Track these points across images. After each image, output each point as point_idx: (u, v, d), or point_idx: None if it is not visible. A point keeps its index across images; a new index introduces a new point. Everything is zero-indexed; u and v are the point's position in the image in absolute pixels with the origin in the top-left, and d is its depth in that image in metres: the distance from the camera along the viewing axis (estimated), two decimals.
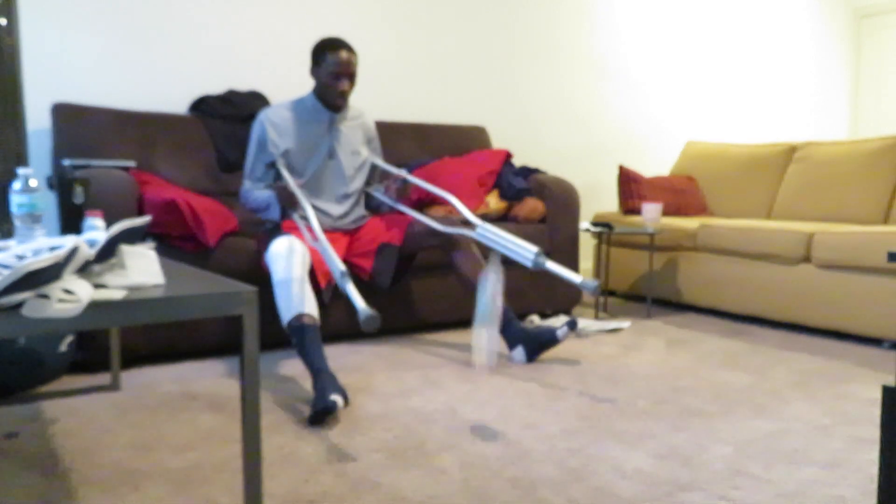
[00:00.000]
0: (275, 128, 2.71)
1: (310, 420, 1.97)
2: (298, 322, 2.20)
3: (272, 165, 2.72)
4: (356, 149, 2.86)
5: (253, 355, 1.31)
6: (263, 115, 2.73)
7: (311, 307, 2.24)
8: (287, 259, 2.32)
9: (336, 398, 1.97)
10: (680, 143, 5.13)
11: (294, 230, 2.60)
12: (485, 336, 2.11)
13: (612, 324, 3.28)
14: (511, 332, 2.66)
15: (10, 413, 2.05)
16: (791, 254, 3.20)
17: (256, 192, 2.71)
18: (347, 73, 2.65)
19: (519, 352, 2.65)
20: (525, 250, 2.30)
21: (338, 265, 2.05)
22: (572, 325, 2.61)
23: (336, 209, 2.80)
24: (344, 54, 2.63)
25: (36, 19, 3.04)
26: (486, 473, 1.66)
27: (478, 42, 4.21)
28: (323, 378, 2.07)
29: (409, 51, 3.98)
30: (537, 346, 2.63)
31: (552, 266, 2.28)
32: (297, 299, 2.24)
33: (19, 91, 2.95)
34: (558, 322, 2.62)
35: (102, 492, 1.54)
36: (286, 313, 2.24)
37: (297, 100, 2.78)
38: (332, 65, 2.63)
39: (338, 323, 2.90)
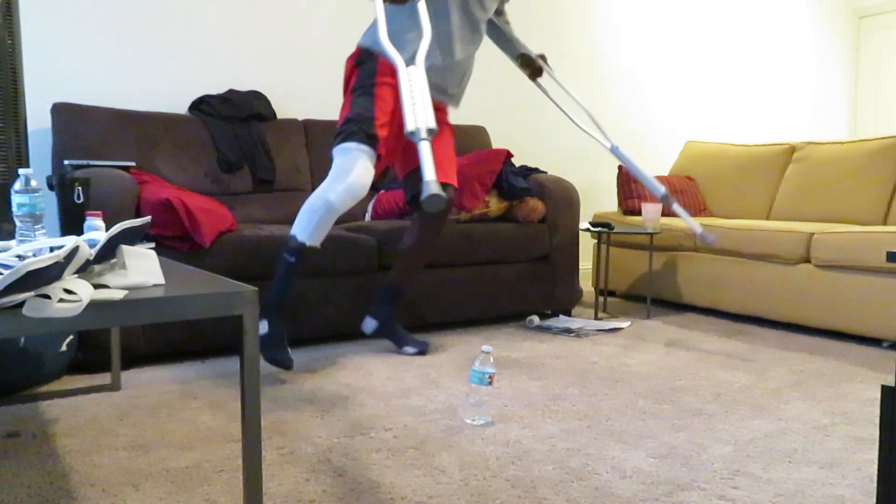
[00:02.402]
0: None
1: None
2: (302, 248, 2.33)
3: None
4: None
5: (253, 355, 1.31)
6: None
7: (320, 242, 2.37)
8: (345, 193, 2.30)
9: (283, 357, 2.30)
10: (680, 143, 5.13)
11: (386, 86, 2.41)
12: None
13: (612, 324, 3.28)
14: (383, 310, 2.74)
15: (10, 413, 2.05)
16: (791, 254, 3.20)
17: None
18: None
19: (371, 323, 2.75)
20: (656, 183, 2.62)
21: (429, 116, 1.78)
22: (421, 351, 2.74)
23: (452, 79, 2.54)
24: None
25: (36, 19, 3.04)
26: (486, 473, 1.66)
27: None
28: (273, 324, 2.33)
29: None
30: (386, 333, 2.77)
31: (679, 209, 2.63)
32: (319, 230, 2.34)
33: (19, 91, 2.95)
34: (411, 347, 2.75)
35: (102, 492, 1.54)
36: (301, 233, 2.34)
37: None
38: None
39: (338, 322, 2.90)
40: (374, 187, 3.58)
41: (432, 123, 1.70)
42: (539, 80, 2.71)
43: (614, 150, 2.72)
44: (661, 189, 2.68)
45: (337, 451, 1.78)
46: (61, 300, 1.12)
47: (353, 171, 2.32)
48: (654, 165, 4.99)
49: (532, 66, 2.89)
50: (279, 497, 1.52)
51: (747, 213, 4.08)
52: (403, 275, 2.73)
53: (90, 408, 2.09)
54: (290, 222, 3.28)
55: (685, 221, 2.68)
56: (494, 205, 3.37)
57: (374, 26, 2.50)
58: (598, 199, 4.73)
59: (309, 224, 2.35)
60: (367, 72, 2.45)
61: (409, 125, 1.71)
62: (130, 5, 3.23)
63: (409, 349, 2.74)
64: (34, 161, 3.04)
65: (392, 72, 2.43)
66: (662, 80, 5.01)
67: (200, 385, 2.33)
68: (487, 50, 4.23)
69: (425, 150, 1.66)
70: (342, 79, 2.57)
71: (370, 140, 2.36)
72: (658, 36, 4.96)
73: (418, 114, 1.72)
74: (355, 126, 2.37)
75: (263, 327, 2.36)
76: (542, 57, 2.88)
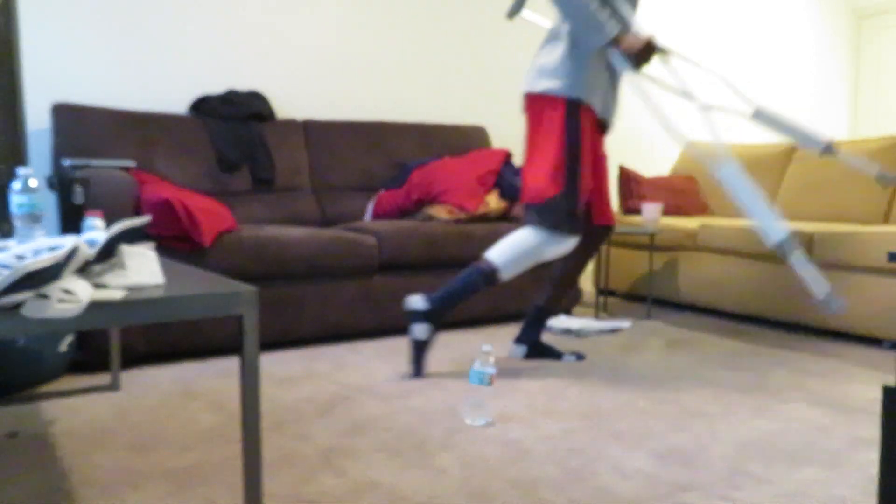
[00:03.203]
0: None
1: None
2: (493, 276, 2.41)
3: None
4: None
5: (253, 355, 1.30)
6: None
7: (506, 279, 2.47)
8: (559, 253, 2.42)
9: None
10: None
11: (587, 140, 2.38)
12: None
13: (612, 324, 3.28)
14: (532, 334, 2.70)
15: (10, 413, 2.05)
16: None
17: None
18: None
19: (520, 350, 2.70)
20: (815, 137, 2.34)
21: (779, 228, 1.90)
22: (580, 357, 2.70)
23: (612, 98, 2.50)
24: None
25: (36, 19, 3.04)
26: (486, 473, 1.66)
27: (478, 42, 4.21)
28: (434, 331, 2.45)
29: (410, 51, 3.98)
30: (538, 353, 2.71)
31: (848, 158, 2.40)
32: (517, 272, 2.44)
33: (19, 91, 2.95)
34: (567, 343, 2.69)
35: (102, 492, 1.54)
36: (504, 269, 2.41)
37: None
38: None
39: (338, 323, 2.90)
40: (375, 187, 3.58)
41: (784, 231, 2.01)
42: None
43: (757, 115, 2.43)
44: (821, 142, 2.35)
45: (337, 451, 1.78)
46: (61, 300, 1.12)
47: (568, 242, 2.43)
48: (654, 165, 4.99)
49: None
50: (279, 497, 1.52)
51: None
52: (555, 301, 2.67)
53: (90, 408, 2.09)
54: (290, 222, 3.29)
55: (860, 167, 2.48)
56: (494, 204, 3.37)
57: (574, 72, 2.37)
58: None
59: (515, 265, 2.42)
60: (576, 126, 2.38)
61: (773, 237, 2.04)
62: (130, 5, 3.22)
63: (569, 357, 2.68)
64: (34, 161, 3.03)
65: (590, 121, 2.41)
66: (662, 79, 5.00)
67: (200, 385, 2.33)
68: (488, 50, 4.23)
69: (801, 268, 1.98)
70: (527, 112, 2.46)
71: (577, 223, 2.42)
72: (658, 36, 4.96)
73: (774, 225, 2.03)
74: (564, 213, 2.38)
75: (423, 332, 2.42)
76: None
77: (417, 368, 2.44)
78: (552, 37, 2.42)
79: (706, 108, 2.36)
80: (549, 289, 2.67)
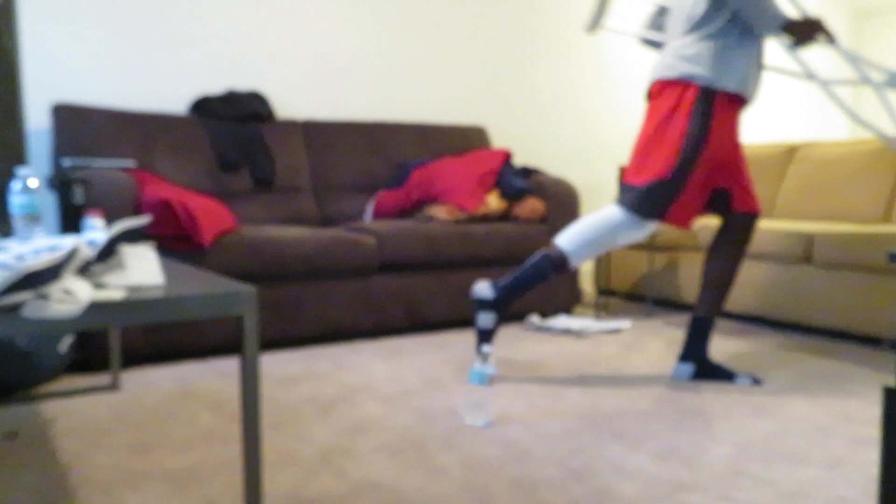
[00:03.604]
0: None
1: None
2: (563, 263, 2.39)
3: None
4: None
5: (253, 355, 1.30)
6: None
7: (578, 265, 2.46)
8: (633, 238, 2.38)
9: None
10: None
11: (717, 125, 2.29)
12: None
13: (613, 324, 3.27)
14: (697, 348, 2.48)
15: (10, 413, 2.05)
16: (791, 254, 3.20)
17: None
18: None
19: (687, 368, 2.48)
20: None
21: None
22: (756, 381, 2.42)
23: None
24: None
25: (36, 19, 3.04)
26: (486, 473, 1.66)
27: (478, 42, 4.21)
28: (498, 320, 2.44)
29: (409, 51, 3.98)
30: (707, 373, 2.48)
31: None
32: (586, 256, 2.41)
33: (19, 91, 2.95)
34: (740, 375, 2.45)
35: (102, 492, 1.54)
36: (574, 255, 2.39)
37: None
38: None
39: (338, 323, 2.90)
40: (375, 187, 3.58)
41: None
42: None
43: (892, 82, 2.32)
44: None
45: (337, 451, 1.78)
46: (60, 301, 1.12)
47: (646, 227, 2.38)
48: None
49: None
50: (279, 497, 1.52)
51: None
52: (716, 307, 2.47)
53: (89, 408, 2.09)
54: (290, 222, 3.29)
55: None
56: (494, 204, 3.37)
57: (716, 61, 2.31)
58: (598, 199, 4.73)
59: (586, 250, 2.39)
60: (705, 114, 2.31)
61: None
62: (130, 5, 3.22)
63: (744, 380, 2.42)
64: (34, 161, 3.03)
65: (725, 110, 2.33)
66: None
67: (200, 385, 2.33)
68: (488, 50, 4.23)
69: None
70: (655, 99, 2.40)
71: (663, 214, 2.34)
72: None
73: None
74: (662, 200, 2.32)
75: (488, 321, 2.42)
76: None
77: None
78: (691, 28, 2.35)
79: (829, 83, 2.30)
80: (708, 295, 2.46)
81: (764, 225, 3.39)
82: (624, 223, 2.36)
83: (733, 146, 2.40)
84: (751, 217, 2.47)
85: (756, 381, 2.42)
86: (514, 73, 4.35)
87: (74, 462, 1.70)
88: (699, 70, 2.30)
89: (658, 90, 2.39)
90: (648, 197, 2.32)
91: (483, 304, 2.42)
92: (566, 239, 2.41)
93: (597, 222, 2.39)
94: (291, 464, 1.70)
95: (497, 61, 4.28)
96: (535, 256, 2.43)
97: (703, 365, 2.46)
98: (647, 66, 4.93)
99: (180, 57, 3.35)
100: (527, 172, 3.59)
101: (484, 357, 2.02)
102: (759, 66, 2.39)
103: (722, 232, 2.49)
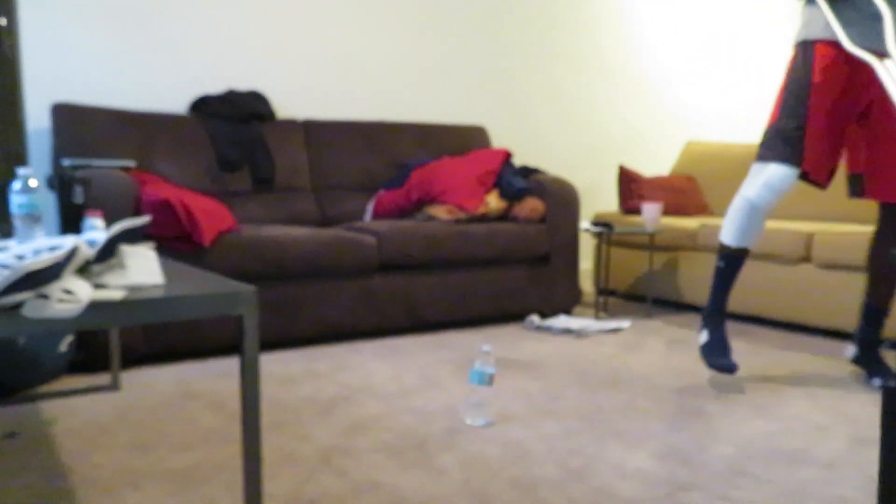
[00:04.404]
0: None
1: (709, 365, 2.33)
2: (728, 252, 2.37)
3: None
4: None
5: (253, 355, 1.30)
6: None
7: (749, 243, 2.36)
8: (764, 189, 2.29)
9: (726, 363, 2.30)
10: (680, 143, 5.13)
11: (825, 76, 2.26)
12: None
13: (612, 324, 3.27)
14: (873, 360, 2.48)
15: (10, 413, 2.05)
16: (791, 254, 3.20)
17: None
18: None
19: (851, 349, 2.53)
20: None
21: None
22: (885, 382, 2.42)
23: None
24: None
25: (36, 19, 3.04)
26: (486, 473, 1.66)
27: (477, 42, 4.21)
28: (711, 332, 2.39)
29: (410, 51, 3.98)
30: (862, 361, 2.50)
31: None
32: (743, 231, 2.34)
33: (19, 91, 2.95)
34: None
35: (102, 492, 1.54)
36: (726, 236, 2.37)
37: None
38: None
39: (338, 323, 2.90)
40: (375, 187, 3.58)
41: None
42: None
43: None
44: None
45: (337, 451, 1.78)
46: (60, 300, 1.12)
47: (769, 169, 2.30)
48: (654, 165, 4.98)
49: None
50: (279, 497, 1.52)
51: None
52: (888, 296, 2.43)
53: (90, 408, 2.09)
54: (290, 222, 3.28)
55: None
56: (494, 204, 3.37)
57: (811, 17, 2.34)
58: (598, 199, 4.73)
59: (731, 226, 2.36)
60: (804, 63, 2.36)
61: None
62: (130, 5, 3.22)
63: (878, 381, 2.41)
64: (34, 161, 3.03)
65: (832, 59, 2.27)
66: (662, 79, 5.00)
67: (200, 385, 2.33)
68: (487, 50, 4.23)
69: None
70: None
71: (793, 158, 2.28)
72: (658, 35, 4.96)
73: None
74: (774, 138, 2.31)
75: (704, 336, 2.41)
76: None
77: (719, 364, 2.35)
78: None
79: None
80: (882, 286, 2.43)
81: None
82: (749, 177, 2.36)
83: (871, 108, 2.31)
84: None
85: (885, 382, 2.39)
86: (514, 73, 4.35)
87: (74, 462, 1.70)
88: (797, 31, 2.47)
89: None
90: (767, 140, 2.35)
91: (702, 323, 2.44)
92: (721, 231, 2.39)
93: (734, 200, 2.36)
94: (291, 464, 1.70)
95: (497, 61, 4.28)
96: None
97: (865, 350, 2.48)
98: (647, 66, 4.93)
99: (180, 57, 3.35)
100: (527, 172, 3.59)
101: (484, 357, 2.02)
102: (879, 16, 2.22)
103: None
